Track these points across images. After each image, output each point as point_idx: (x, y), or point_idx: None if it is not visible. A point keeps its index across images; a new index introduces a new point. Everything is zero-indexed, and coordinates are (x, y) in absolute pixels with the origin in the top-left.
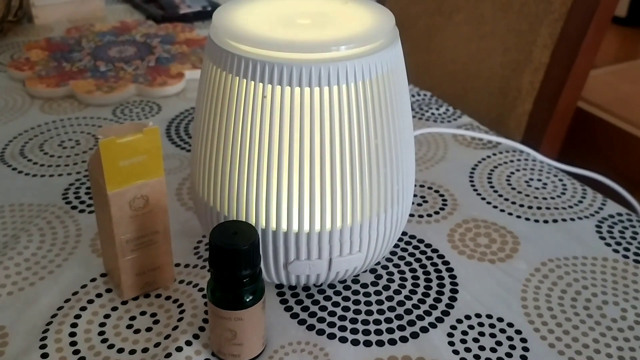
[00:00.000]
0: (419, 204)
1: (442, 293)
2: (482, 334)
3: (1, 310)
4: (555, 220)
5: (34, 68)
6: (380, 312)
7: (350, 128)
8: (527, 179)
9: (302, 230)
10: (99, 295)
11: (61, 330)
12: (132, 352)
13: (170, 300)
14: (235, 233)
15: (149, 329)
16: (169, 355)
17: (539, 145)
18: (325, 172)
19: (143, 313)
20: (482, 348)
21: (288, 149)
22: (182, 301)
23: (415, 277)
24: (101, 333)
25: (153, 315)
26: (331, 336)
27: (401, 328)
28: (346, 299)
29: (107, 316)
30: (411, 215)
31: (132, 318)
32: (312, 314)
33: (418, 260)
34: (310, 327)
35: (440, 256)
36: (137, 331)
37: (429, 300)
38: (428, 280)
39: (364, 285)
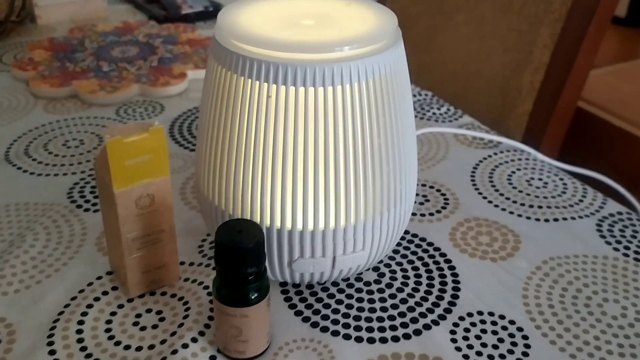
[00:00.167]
0: (421, 203)
1: (445, 291)
2: (484, 331)
3: (9, 307)
4: (556, 219)
5: (38, 68)
6: (384, 309)
7: (354, 127)
8: (528, 178)
9: (306, 228)
10: (105, 293)
11: (68, 327)
12: (139, 348)
13: (175, 298)
14: (241, 231)
15: (155, 326)
16: (175, 352)
17: (540, 145)
18: (329, 171)
19: (149, 310)
20: (484, 345)
21: (292, 148)
22: (187, 299)
23: (418, 275)
24: (108, 330)
25: (159, 312)
26: (335, 333)
27: (404, 325)
28: (350, 296)
29: (113, 313)
30: (413, 214)
31: (138, 315)
32: (316, 312)
33: (420, 258)
34: (314, 325)
35: (442, 254)
36: (143, 328)
37: (432, 298)
38: (430, 278)
39: (367, 283)
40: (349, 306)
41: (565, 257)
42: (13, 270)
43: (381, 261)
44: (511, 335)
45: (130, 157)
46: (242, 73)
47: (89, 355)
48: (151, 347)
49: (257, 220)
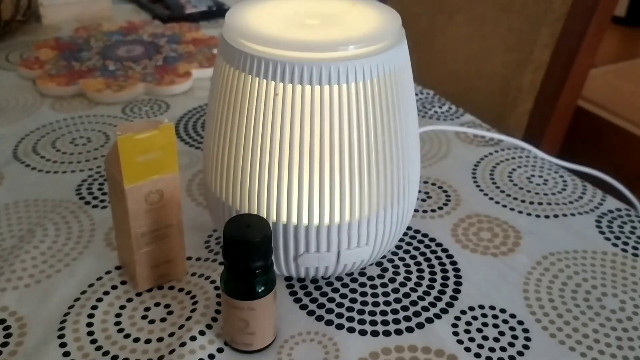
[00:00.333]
0: (423, 200)
1: (447, 285)
2: (485, 324)
3: (19, 302)
4: (556, 216)
5: (44, 67)
6: (387, 303)
7: (359, 125)
8: (528, 176)
9: (311, 223)
10: (114, 287)
11: (78, 320)
12: (148, 341)
13: (183, 292)
14: (248, 226)
15: (163, 320)
16: (183, 344)
17: (540, 143)
18: (334, 168)
19: (157, 304)
20: (485, 338)
21: (299, 145)
22: (194, 293)
23: (420, 270)
24: (117, 323)
25: (167, 306)
26: (339, 326)
27: (407, 319)
28: (353, 290)
29: (122, 307)
30: (416, 210)
31: (147, 309)
32: (321, 305)
33: (423, 253)
34: (319, 318)
35: (445, 250)
36: (152, 321)
37: (434, 292)
38: (432, 273)
39: (371, 278)
40: (353, 300)
41: (565, 252)
42: (23, 265)
43: (384, 256)
44: (512, 329)
45: (141, 153)
46: (250, 71)
47: (99, 348)
48: (160, 339)
49: (264, 215)
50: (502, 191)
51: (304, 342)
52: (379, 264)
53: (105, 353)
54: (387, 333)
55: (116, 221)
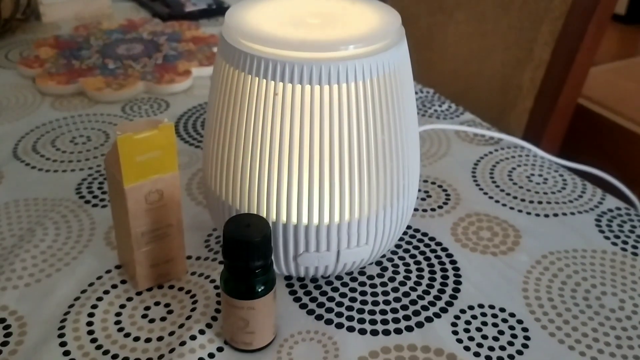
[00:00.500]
0: (423, 199)
1: (446, 284)
2: (484, 323)
3: (19, 301)
4: (555, 215)
5: (44, 65)
6: (386, 302)
7: (358, 124)
8: (528, 175)
9: (311, 223)
10: (114, 286)
11: (78, 319)
12: (148, 340)
13: (183, 291)
14: (248, 225)
15: (163, 319)
16: (183, 343)
17: (540, 142)
18: (334, 167)
19: (157, 303)
20: (484, 337)
21: (298, 145)
22: (194, 292)
23: (420, 269)
24: (117, 322)
25: (167, 305)
26: (339, 325)
27: (406, 318)
28: (353, 290)
29: (122, 306)
30: (415, 209)
31: (147, 308)
32: (321, 305)
33: (422, 253)
34: (319, 317)
35: (444, 249)
36: (152, 320)
37: (433, 291)
38: (432, 272)
39: (370, 277)
40: (353, 299)
41: (565, 251)
42: (23, 264)
43: (384, 255)
44: (511, 328)
45: (140, 153)
46: (250, 71)
47: (99, 347)
48: (160, 338)
49: (264, 215)
50: (502, 190)
51: (303, 341)
52: (378, 263)
53: (106, 352)
54: (386, 332)
55: (116, 220)
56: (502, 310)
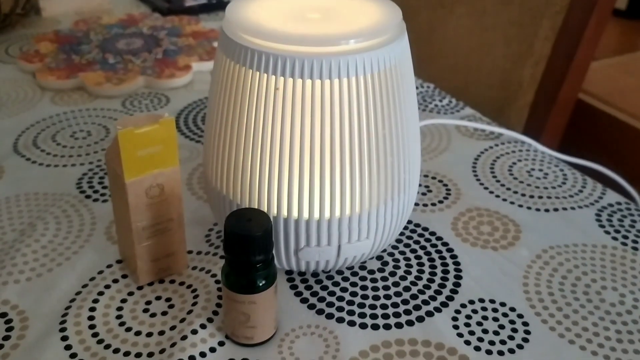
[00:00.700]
0: (424, 194)
1: (447, 279)
2: (485, 318)
3: (21, 295)
4: (556, 209)
5: (44, 60)
6: (387, 297)
7: (359, 119)
8: (528, 169)
9: (312, 217)
10: (115, 281)
11: (80, 314)
12: (149, 334)
13: (184, 285)
14: (250, 220)
15: (164, 313)
16: (184, 337)
17: (540, 137)
18: (334, 162)
19: (158, 298)
20: (485, 331)
21: (299, 139)
22: (195, 286)
23: (421, 264)
24: (119, 317)
25: (168, 300)
26: (340, 320)
27: (407, 312)
28: (354, 284)
29: (124, 301)
30: (416, 204)
31: (148, 302)
32: (321, 299)
33: (423, 247)
34: (320, 312)
35: (445, 244)
36: (153, 315)
37: (434, 286)
38: (433, 266)
39: (371, 272)
40: (354, 294)
41: (565, 246)
42: (25, 258)
43: (385, 250)
44: (512, 322)
45: (141, 147)
46: (250, 66)
47: (100, 341)
48: (161, 333)
49: (265, 209)
50: (502, 185)
51: (304, 335)
52: (379, 257)
53: (107, 346)
54: (387, 326)
55: (117, 215)
56: (503, 304)
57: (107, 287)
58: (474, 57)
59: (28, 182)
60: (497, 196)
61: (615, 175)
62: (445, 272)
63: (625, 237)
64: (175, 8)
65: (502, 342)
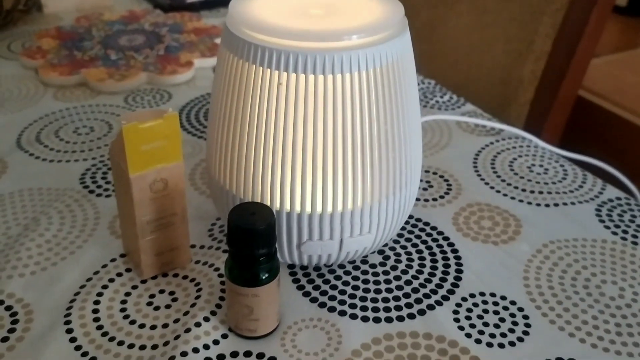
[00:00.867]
0: (425, 189)
1: (448, 273)
2: (486, 311)
3: (25, 289)
4: (556, 204)
5: (46, 56)
6: (389, 290)
7: (361, 114)
8: (529, 165)
9: (314, 211)
10: (119, 275)
11: (84, 307)
12: (153, 327)
13: (187, 279)
14: (253, 214)
15: (168, 306)
16: (188, 330)
17: (541, 133)
18: (337, 156)
19: (162, 291)
20: (486, 324)
21: (302, 134)
22: (199, 280)
23: (422, 258)
24: (123, 310)
25: (171, 293)
26: (342, 313)
27: (409, 305)
28: (356, 278)
29: (127, 294)
30: (417, 199)
31: (152, 296)
32: (324, 293)
33: (424, 242)
34: (322, 305)
35: (446, 238)
36: (157, 308)
37: (435, 280)
38: (434, 261)
39: (373, 266)
40: (356, 287)
41: (565, 240)
42: (29, 252)
43: (386, 244)
44: (512, 315)
45: (145, 142)
46: (254, 61)
47: (105, 334)
48: (165, 325)
49: (268, 203)
50: (503, 180)
51: (307, 328)
52: (381, 251)
53: (112, 339)
54: (389, 319)
55: (121, 209)
56: (503, 298)
57: (111, 280)
58: (474, 54)
59: (31, 178)
60: (498, 191)
61: (615, 171)
62: (447, 266)
63: (625, 231)
64: (176, 4)
65: (503, 335)
